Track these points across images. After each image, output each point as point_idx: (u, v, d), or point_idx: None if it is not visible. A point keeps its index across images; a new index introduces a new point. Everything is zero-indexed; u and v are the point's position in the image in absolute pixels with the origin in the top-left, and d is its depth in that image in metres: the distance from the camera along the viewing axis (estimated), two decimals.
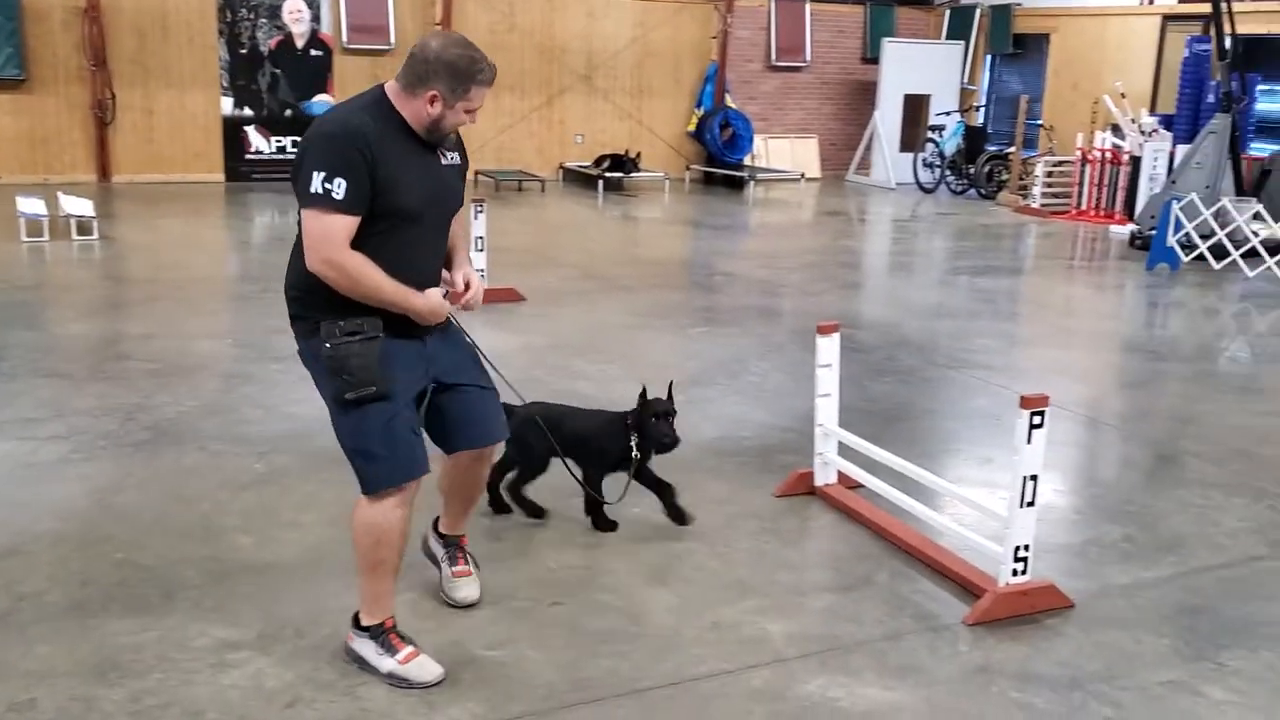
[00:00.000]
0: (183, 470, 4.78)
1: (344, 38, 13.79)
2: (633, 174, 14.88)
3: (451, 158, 3.35)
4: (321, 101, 13.73)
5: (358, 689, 3.20)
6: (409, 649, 3.27)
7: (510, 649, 3.44)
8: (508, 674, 3.31)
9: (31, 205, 9.78)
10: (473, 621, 3.59)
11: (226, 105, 13.43)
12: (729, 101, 16.18)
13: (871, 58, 17.09)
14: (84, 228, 9.72)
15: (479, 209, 7.93)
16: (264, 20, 13.34)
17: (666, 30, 15.91)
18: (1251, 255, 10.01)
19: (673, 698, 3.22)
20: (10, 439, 5.04)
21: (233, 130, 13.51)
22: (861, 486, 4.61)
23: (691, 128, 16.18)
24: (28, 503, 4.38)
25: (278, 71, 13.48)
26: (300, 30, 13.54)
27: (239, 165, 13.59)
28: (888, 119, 16.50)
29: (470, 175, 14.66)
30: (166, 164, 13.38)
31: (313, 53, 13.64)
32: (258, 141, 13.60)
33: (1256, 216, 10.53)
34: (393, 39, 14.13)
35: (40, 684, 3.15)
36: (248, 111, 13.50)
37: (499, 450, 3.89)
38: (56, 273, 8.81)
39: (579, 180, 15.22)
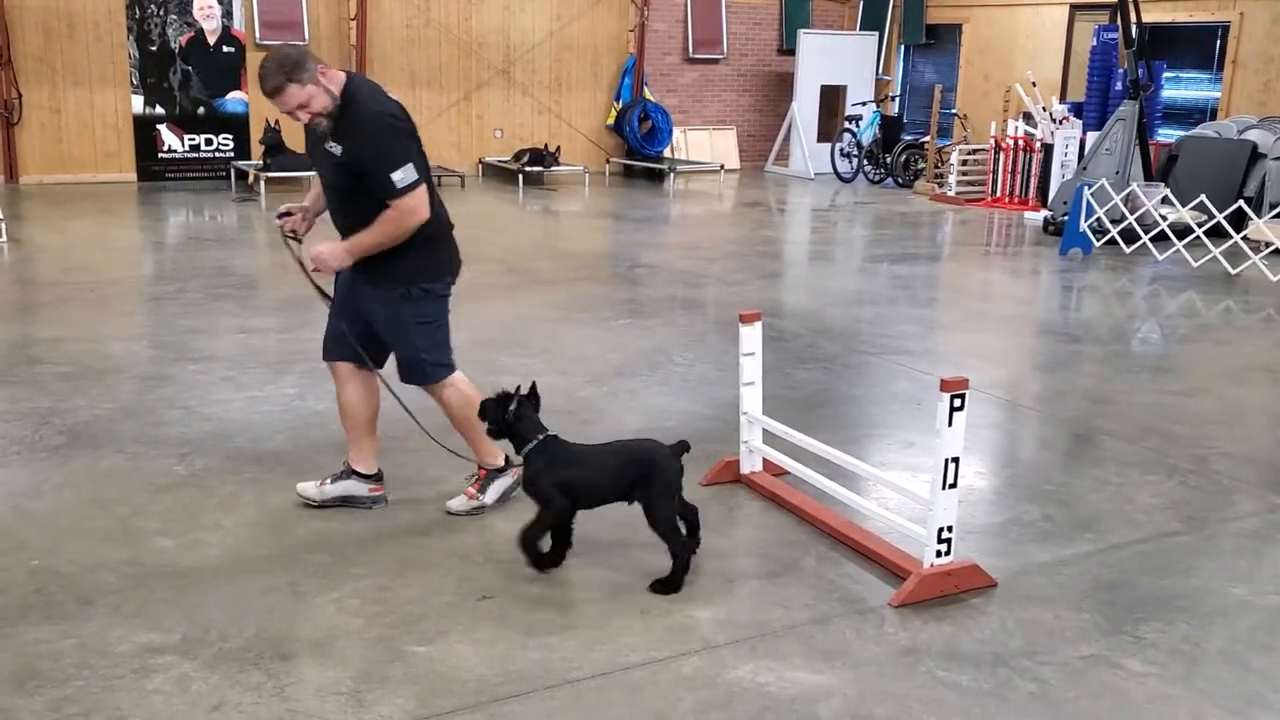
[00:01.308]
0: (100, 474, 4.68)
1: (256, 34, 13.55)
2: (552, 168, 14.86)
3: (331, 148, 3.96)
4: (235, 98, 13.47)
5: (286, 689, 3.17)
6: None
7: (440, 644, 3.44)
8: (438, 669, 3.30)
9: None
10: (401, 618, 3.58)
11: (137, 104, 13.11)
12: (647, 94, 16.22)
13: (788, 49, 17.26)
14: None
15: None
16: (174, 17, 13.04)
17: (584, 23, 15.90)
18: (1161, 239, 10.32)
19: (604, 687, 3.24)
20: None
21: (144, 129, 13.19)
22: (787, 473, 4.67)
23: (610, 121, 16.20)
24: None
25: (189, 69, 13.19)
26: (211, 27, 13.27)
27: (151, 164, 13.28)
28: (805, 110, 16.68)
29: None
30: (76, 164, 13.03)
31: (224, 49, 13.37)
32: (170, 140, 13.30)
33: (1165, 201, 10.87)
34: (306, 34, 13.92)
35: None
36: (159, 110, 13.19)
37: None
38: None
39: (499, 175, 15.15)
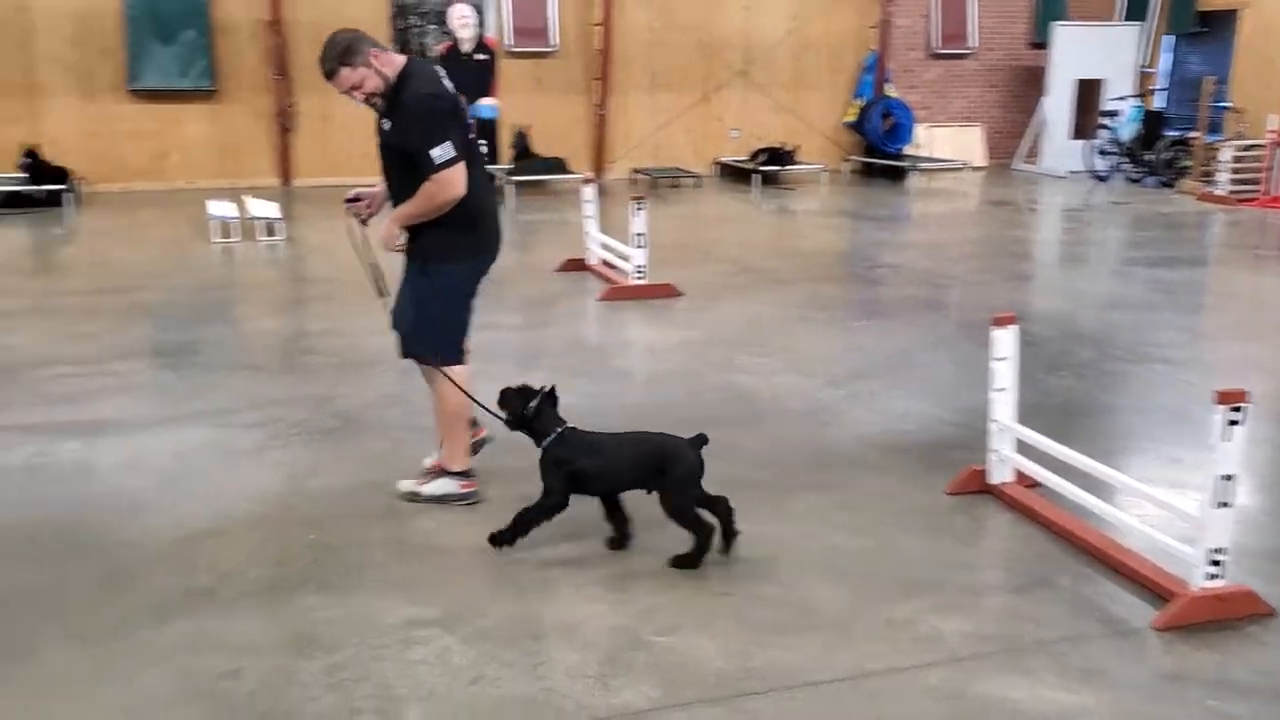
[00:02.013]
0: (369, 457, 5.00)
1: (509, 41, 14.13)
2: (789, 167, 14.78)
3: (384, 125, 4.23)
4: (487, 104, 14.07)
5: (537, 668, 3.30)
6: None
7: (680, 636, 3.49)
8: (679, 660, 3.35)
9: (222, 209, 10.36)
10: (642, 608, 3.66)
11: None
12: (889, 91, 15.89)
13: (1039, 42, 16.53)
14: (270, 229, 10.24)
15: (639, 206, 8.02)
16: (433, 26, 13.77)
17: (823, 21, 15.74)
18: None
19: (845, 692, 3.21)
20: (209, 426, 5.36)
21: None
22: (1039, 485, 4.48)
23: (850, 118, 15.96)
24: (227, 487, 4.66)
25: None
26: (467, 35, 13.89)
27: None
28: (1057, 105, 15.92)
29: (626, 173, 14.82)
30: (342, 168, 13.94)
31: (478, 56, 13.99)
32: None
33: None
34: (554, 40, 14.40)
35: (245, 655, 3.35)
36: None
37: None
38: (245, 272, 9.31)
39: (735, 175, 15.21)
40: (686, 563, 3.90)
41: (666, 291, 8.15)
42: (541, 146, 13.86)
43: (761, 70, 15.56)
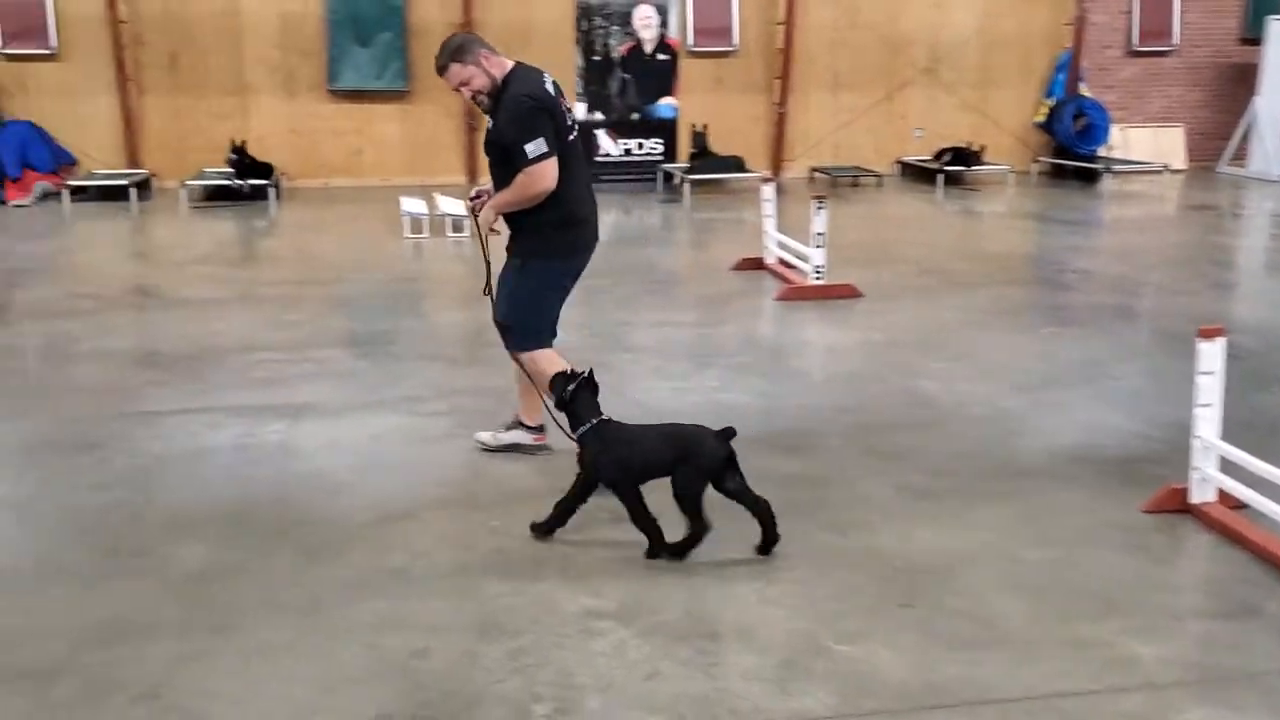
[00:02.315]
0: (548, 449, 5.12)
1: (690, 41, 14.20)
2: (975, 167, 14.36)
3: (490, 123, 4.54)
4: (666, 104, 14.20)
5: (713, 668, 3.31)
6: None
7: (861, 645, 3.44)
8: (859, 669, 3.31)
9: (413, 205, 10.77)
10: (822, 613, 3.62)
11: (580, 110, 14.18)
12: (1083, 90, 15.24)
13: (1251, 38, 15.55)
14: (457, 226, 10.58)
15: (820, 205, 7.93)
16: (616, 28, 13.96)
17: (1016, 18, 15.21)
18: None
19: (1033, 712, 3.10)
20: (402, 413, 5.59)
21: (585, 134, 14.23)
22: (1245, 506, 4.22)
23: (1040, 118, 15.38)
24: (418, 471, 4.85)
25: (627, 76, 14.07)
26: (649, 36, 14.07)
27: (589, 167, 14.31)
28: (1271, 104, 14.95)
29: (804, 172, 14.69)
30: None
31: (660, 57, 14.13)
32: (606, 144, 14.26)
33: None
34: (736, 40, 14.39)
35: (433, 636, 3.48)
36: (599, 116, 14.18)
37: None
38: (434, 266, 9.66)
39: (917, 175, 14.86)
40: (674, 551, 3.95)
41: (846, 292, 8.05)
42: (719, 145, 13.87)
43: (948, 68, 15.16)
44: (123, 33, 13.05)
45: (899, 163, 15.17)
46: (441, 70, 4.49)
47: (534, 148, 4.32)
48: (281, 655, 3.38)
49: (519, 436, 4.98)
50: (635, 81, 14.09)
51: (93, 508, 4.43)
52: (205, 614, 3.60)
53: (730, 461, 3.98)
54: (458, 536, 4.20)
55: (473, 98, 4.50)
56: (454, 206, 10.82)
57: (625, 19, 13.96)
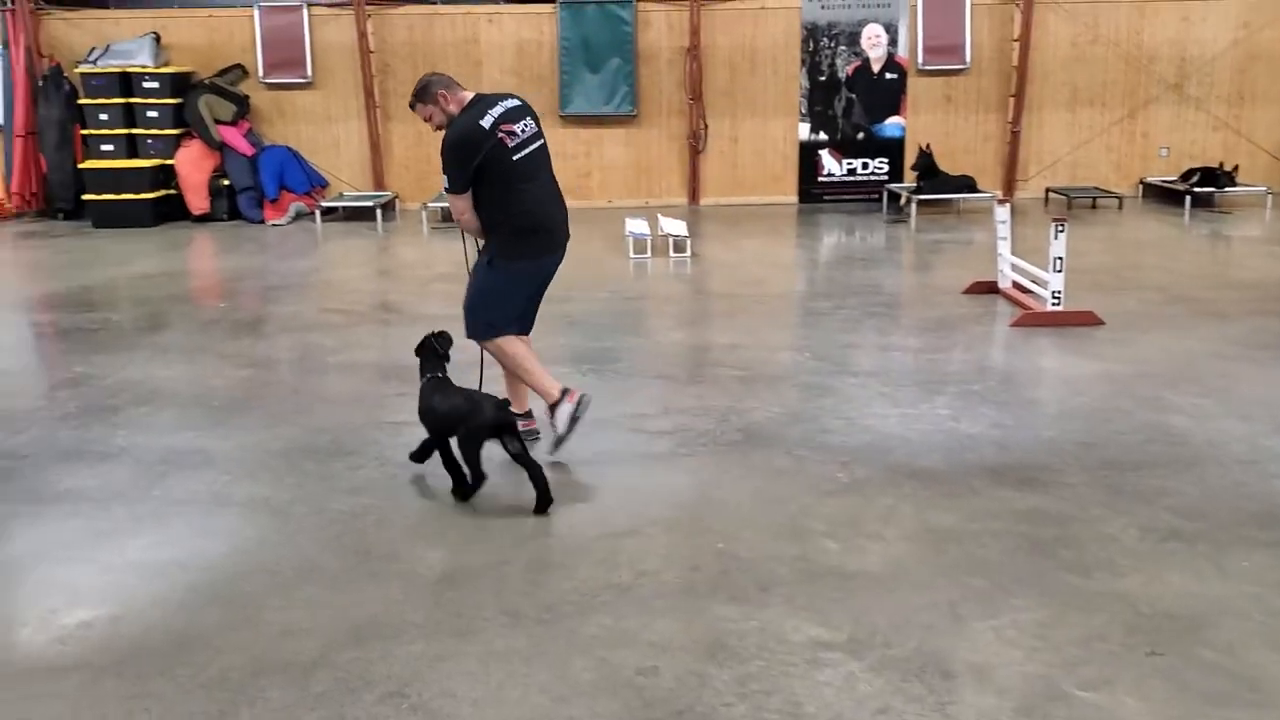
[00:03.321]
0: (772, 472, 5.10)
1: (919, 59, 13.92)
2: (1227, 189, 13.43)
3: None
4: (893, 124, 13.97)
5: (946, 707, 3.21)
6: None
7: (1105, 693, 3.26)
8: (1103, 719, 3.13)
9: (637, 226, 10.99)
10: (1064, 658, 3.45)
11: (804, 131, 14.13)
12: None
13: None
14: (679, 246, 10.73)
15: (1059, 228, 7.60)
16: (843, 48, 13.85)
17: (1276, 30, 14.17)
18: None
19: None
20: (626, 430, 5.69)
21: (808, 154, 14.18)
22: None
23: None
24: (642, 489, 4.92)
25: (853, 96, 13.93)
26: (877, 55, 13.89)
27: (811, 187, 14.24)
28: None
29: (1039, 193, 14.12)
30: (747, 187, 14.37)
31: (887, 76, 13.93)
32: (830, 164, 14.15)
33: None
34: (967, 58, 14.01)
35: (661, 654, 3.52)
36: (823, 136, 14.09)
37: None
38: (657, 286, 9.81)
39: (1162, 197, 14.04)
40: (459, 495, 4.78)
41: (1086, 319, 7.68)
42: (948, 165, 13.52)
43: (1197, 83, 14.28)
44: (371, 62, 13.89)
45: (1141, 184, 14.38)
46: (411, 106, 5.22)
47: (446, 182, 5.09)
48: (518, 662, 3.49)
49: (565, 412, 5.26)
50: (861, 101, 13.95)
51: (345, 512, 4.71)
52: (448, 617, 3.76)
53: (503, 428, 4.72)
54: (684, 556, 4.23)
55: (436, 128, 5.18)
56: (677, 228, 10.97)
57: (853, 38, 13.84)
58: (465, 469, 4.76)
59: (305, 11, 13.83)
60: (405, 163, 14.33)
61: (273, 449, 5.50)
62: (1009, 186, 14.22)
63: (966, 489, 4.83)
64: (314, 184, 14.03)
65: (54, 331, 8.50)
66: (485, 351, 5.35)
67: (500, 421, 4.70)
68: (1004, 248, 8.60)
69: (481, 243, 5.33)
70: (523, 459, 4.70)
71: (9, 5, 13.64)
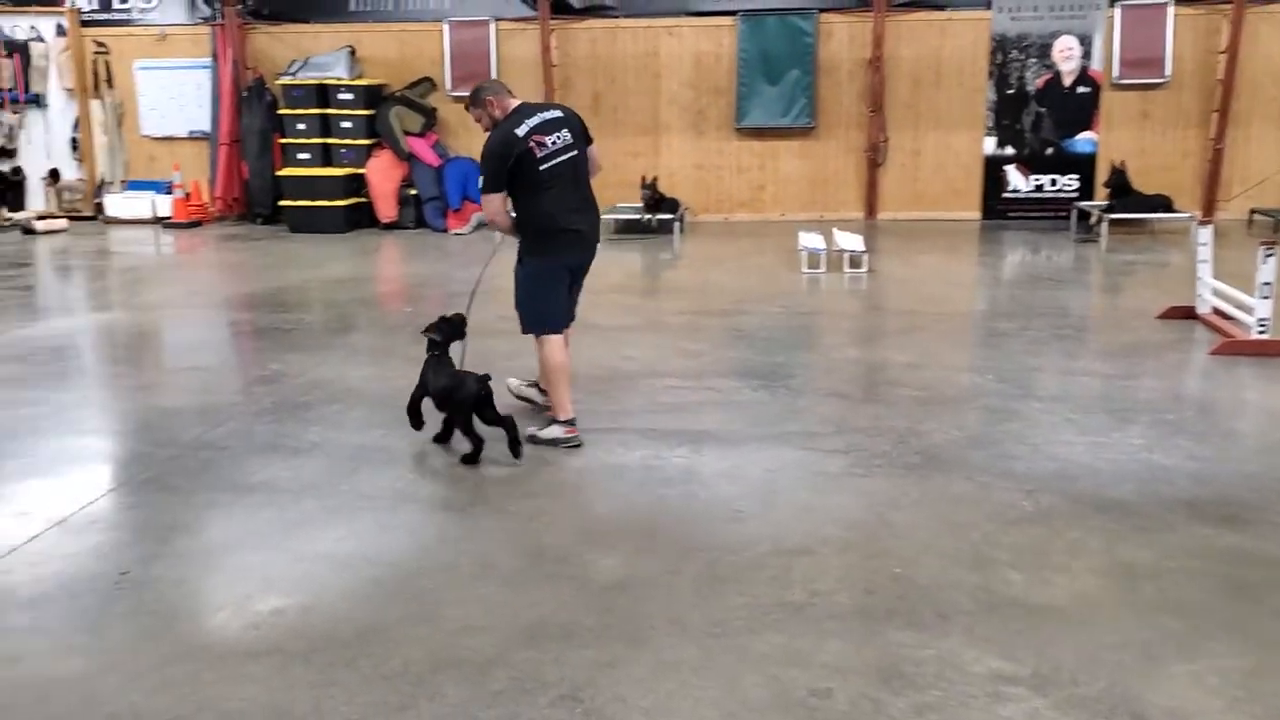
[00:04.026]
0: (952, 497, 4.94)
1: (1114, 72, 13.34)
2: None
3: None
4: (1084, 139, 13.43)
5: None
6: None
7: None
8: None
9: (811, 240, 10.87)
10: (1269, 710, 3.21)
11: (989, 145, 13.73)
12: None
13: None
14: (855, 261, 10.56)
15: (1269, 252, 7.14)
16: (1033, 60, 13.41)
17: None
18: None
19: None
20: (799, 448, 5.61)
21: (993, 169, 13.77)
22: None
23: None
24: (816, 508, 4.84)
25: (1042, 110, 13.47)
26: (1069, 68, 13.39)
27: (995, 203, 13.82)
28: None
29: (1242, 214, 13.33)
30: (927, 202, 14.05)
31: (1079, 89, 13.41)
32: (1016, 180, 13.71)
33: None
34: (1168, 71, 13.35)
35: (834, 677, 3.44)
36: (1009, 150, 13.67)
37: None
38: (831, 302, 9.68)
39: None
40: (469, 460, 5.35)
41: None
42: (1142, 182, 12.90)
43: None
44: (553, 75, 14.19)
45: None
46: (467, 108, 5.81)
47: (481, 184, 5.65)
48: (688, 674, 3.47)
49: (554, 432, 5.69)
50: (1051, 115, 13.47)
51: (521, 513, 4.79)
52: (620, 624, 3.78)
53: (482, 399, 5.36)
54: (859, 578, 4.14)
55: (485, 130, 5.72)
56: (853, 242, 10.80)
57: (1044, 51, 13.39)
58: (467, 439, 5.37)
59: (492, 26, 14.24)
60: None
61: (455, 450, 5.65)
62: (1209, 207, 13.48)
63: (1161, 524, 4.57)
64: None
65: (251, 330, 8.98)
66: (537, 348, 5.93)
67: (479, 395, 5.36)
68: (1205, 271, 8.14)
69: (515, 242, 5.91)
70: (499, 422, 5.38)
71: (218, 21, 14.51)
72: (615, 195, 14.15)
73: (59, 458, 5.61)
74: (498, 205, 5.60)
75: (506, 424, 5.36)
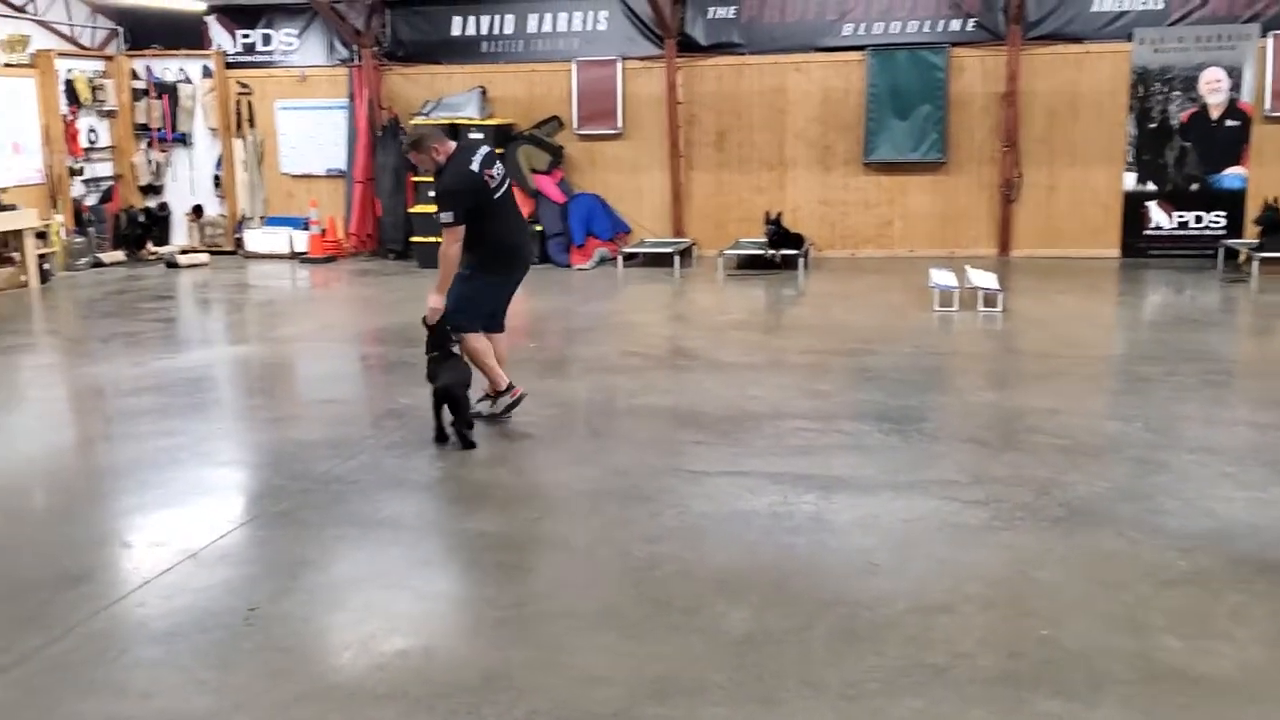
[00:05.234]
0: (1100, 554, 4.66)
1: (1266, 105, 12.70)
2: None
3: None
4: (1232, 174, 12.81)
5: None
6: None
7: None
8: None
9: (944, 277, 10.57)
10: None
11: (1129, 180, 13.20)
12: None
13: None
14: (989, 300, 10.22)
15: None
16: (1177, 93, 12.86)
17: None
18: None
19: None
20: (935, 497, 5.38)
21: (1133, 205, 13.23)
22: None
23: None
24: (955, 562, 4.61)
25: (1187, 144, 12.89)
26: (1217, 101, 12.78)
27: (1136, 241, 13.25)
28: None
29: None
30: (1064, 239, 13.56)
31: (1228, 123, 12.79)
32: (1158, 217, 13.14)
33: None
34: None
35: None
36: (1150, 186, 13.11)
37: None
38: (964, 342, 9.36)
39: None
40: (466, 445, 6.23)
41: None
42: None
43: None
44: (678, 113, 14.20)
45: None
46: (405, 153, 6.65)
47: (449, 217, 6.29)
48: None
49: (503, 401, 6.72)
50: (1196, 150, 12.88)
51: (645, 559, 4.68)
52: (751, 682, 3.63)
53: (444, 394, 6.26)
54: (1002, 640, 3.91)
55: (424, 173, 6.44)
56: (986, 280, 10.47)
57: (1189, 83, 12.83)
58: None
59: (619, 65, 14.33)
60: (705, 211, 14.51)
61: (576, 489, 5.59)
62: None
63: None
64: (618, 230, 14.46)
65: (381, 364, 9.12)
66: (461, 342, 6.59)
67: (443, 388, 6.24)
68: None
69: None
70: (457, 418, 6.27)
71: (356, 62, 14.95)
72: (738, 231, 14.06)
73: (194, 489, 5.73)
74: (460, 234, 6.30)
75: (463, 417, 6.28)
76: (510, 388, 6.74)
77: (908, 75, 13.53)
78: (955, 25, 13.52)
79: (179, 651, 3.92)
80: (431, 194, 6.57)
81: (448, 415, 6.32)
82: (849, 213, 14.21)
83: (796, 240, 13.27)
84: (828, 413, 6.95)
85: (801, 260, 12.92)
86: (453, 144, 6.58)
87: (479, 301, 6.66)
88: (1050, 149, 13.46)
